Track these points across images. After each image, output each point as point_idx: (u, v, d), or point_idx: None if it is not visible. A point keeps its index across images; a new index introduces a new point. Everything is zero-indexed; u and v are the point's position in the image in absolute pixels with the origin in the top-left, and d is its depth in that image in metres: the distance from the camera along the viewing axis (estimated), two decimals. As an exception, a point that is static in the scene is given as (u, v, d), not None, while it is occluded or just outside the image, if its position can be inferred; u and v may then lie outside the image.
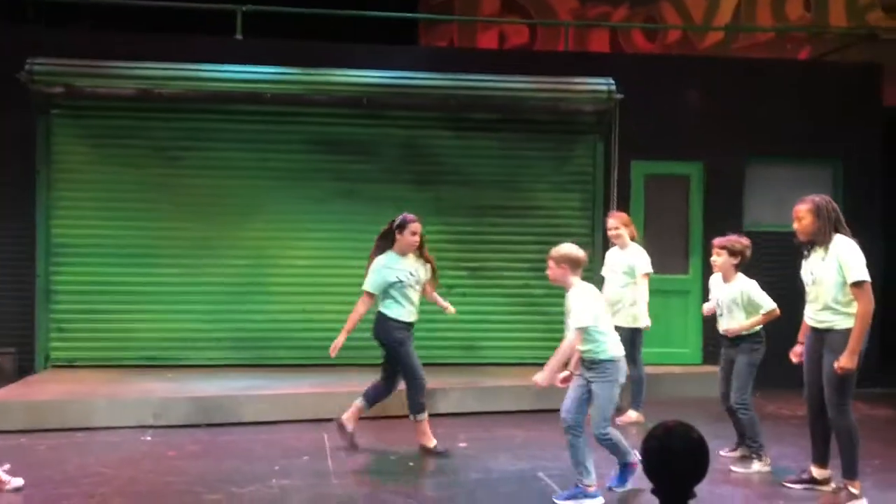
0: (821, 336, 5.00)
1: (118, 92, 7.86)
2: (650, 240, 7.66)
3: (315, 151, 8.37)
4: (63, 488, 5.08)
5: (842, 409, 4.90)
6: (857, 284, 4.82)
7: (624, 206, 8.28)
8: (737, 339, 5.72)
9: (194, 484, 5.21)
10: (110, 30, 8.57)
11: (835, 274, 4.89)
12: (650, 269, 7.01)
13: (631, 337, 7.02)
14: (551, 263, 5.13)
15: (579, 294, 4.98)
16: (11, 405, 6.40)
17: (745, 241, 5.78)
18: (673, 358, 8.45)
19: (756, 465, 5.62)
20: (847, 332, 4.84)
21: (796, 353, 5.30)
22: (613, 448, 5.02)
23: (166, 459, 5.81)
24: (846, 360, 4.78)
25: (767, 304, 5.63)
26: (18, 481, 5.06)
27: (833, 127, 8.97)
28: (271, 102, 8.09)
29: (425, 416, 5.97)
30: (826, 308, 4.95)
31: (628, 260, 7.06)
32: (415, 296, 6.00)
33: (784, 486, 5.24)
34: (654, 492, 1.74)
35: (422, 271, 6.05)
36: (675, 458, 1.70)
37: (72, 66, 7.76)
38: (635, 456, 4.89)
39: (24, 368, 7.86)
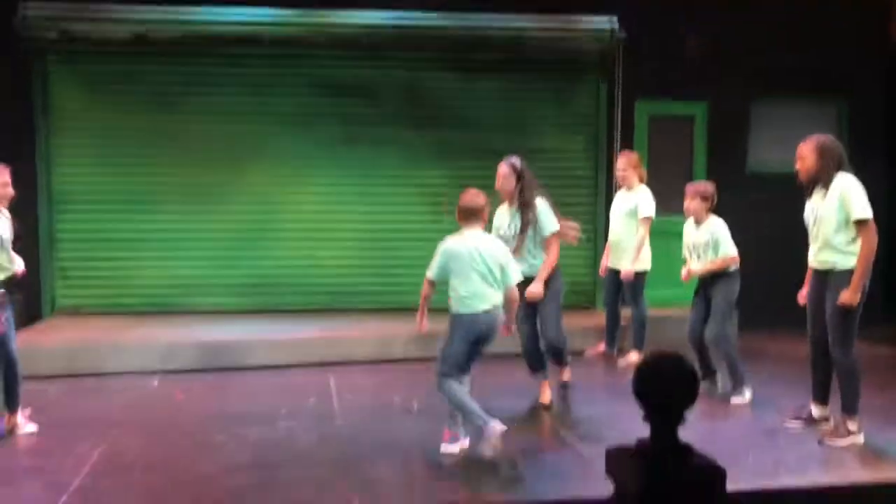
0: (823, 277, 5.01)
1: (113, 36, 7.74)
2: (653, 181, 7.58)
3: (316, 95, 8.28)
4: (75, 431, 5.19)
5: (845, 349, 4.93)
6: (861, 222, 4.81)
7: (627, 148, 8.21)
8: (712, 278, 5.99)
9: (202, 426, 5.31)
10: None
11: (836, 212, 4.87)
12: (651, 213, 6.96)
13: (633, 279, 7.05)
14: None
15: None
16: (21, 351, 6.44)
17: (712, 186, 6.17)
18: (676, 298, 8.46)
19: (748, 393, 5.94)
20: (849, 272, 4.85)
21: (803, 296, 5.30)
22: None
23: (174, 402, 5.91)
24: (849, 296, 4.80)
25: (727, 249, 5.94)
26: (32, 427, 5.17)
27: (839, 64, 8.82)
28: (270, 45, 7.97)
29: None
30: (827, 247, 4.94)
31: (633, 202, 7.03)
32: None
33: (784, 423, 5.32)
34: (645, 418, 1.84)
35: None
36: (666, 385, 1.82)
37: (65, 9, 7.63)
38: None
39: (31, 315, 7.91)
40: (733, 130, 8.82)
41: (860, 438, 4.97)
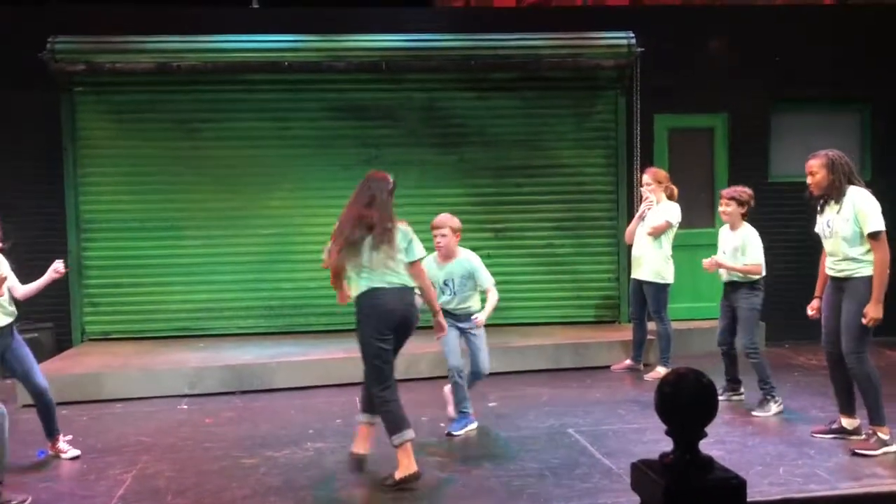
0: (840, 285, 5.03)
1: (137, 66, 7.91)
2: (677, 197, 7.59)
3: (336, 118, 8.38)
4: (106, 457, 5.26)
5: (860, 357, 4.94)
6: (874, 235, 4.87)
7: (648, 161, 8.22)
8: (735, 286, 5.99)
9: (232, 449, 5.35)
10: (127, 4, 8.58)
11: (851, 225, 4.92)
12: (672, 222, 6.93)
13: (656, 293, 7.03)
14: (449, 232, 5.63)
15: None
16: (52, 378, 6.53)
17: (749, 191, 6.10)
18: (700, 312, 8.43)
19: (773, 407, 5.86)
20: (866, 279, 4.88)
21: (813, 308, 5.34)
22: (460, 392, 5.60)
23: (203, 426, 5.96)
24: (873, 310, 4.83)
25: (753, 257, 5.90)
26: (75, 452, 5.27)
27: (860, 72, 8.78)
28: (290, 71, 8.10)
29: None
30: (845, 259, 4.98)
31: (658, 217, 7.02)
32: None
33: (813, 436, 5.27)
34: (668, 433, 1.91)
35: None
36: (685, 403, 1.88)
37: (91, 42, 7.83)
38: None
39: (61, 343, 8.05)
40: (754, 140, 8.79)
41: (894, 447, 4.91)
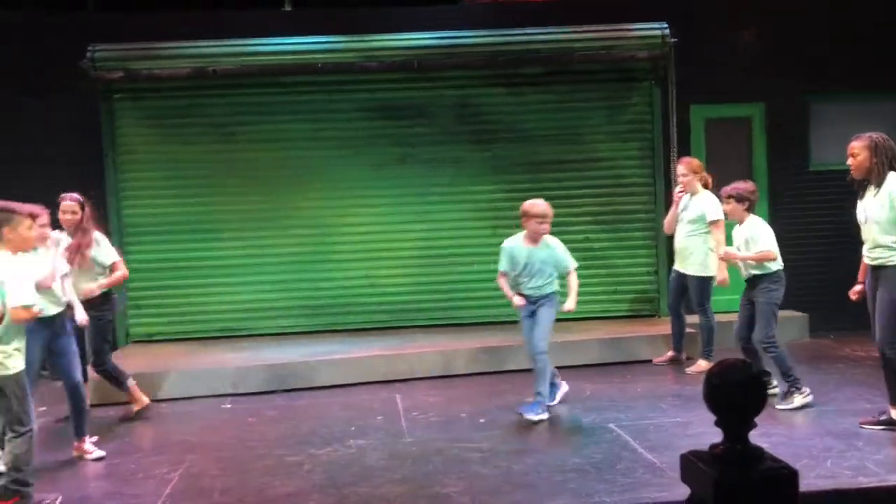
0: (876, 273, 4.98)
1: (174, 72, 8.02)
2: (713, 184, 7.49)
3: (370, 118, 8.42)
4: (152, 456, 5.35)
5: (892, 346, 4.88)
6: None
7: (684, 152, 8.11)
8: (755, 280, 5.86)
9: (275, 447, 5.41)
10: (162, 11, 8.71)
11: (886, 211, 4.84)
12: (720, 217, 6.78)
13: (699, 285, 6.96)
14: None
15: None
16: (100, 380, 6.71)
17: (751, 185, 6.08)
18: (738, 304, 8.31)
19: (798, 399, 5.71)
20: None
21: (854, 292, 5.32)
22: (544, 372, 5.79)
23: (247, 426, 6.04)
24: None
25: (763, 244, 5.82)
26: (100, 453, 5.35)
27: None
28: (323, 72, 8.15)
29: None
30: (878, 246, 4.92)
31: (697, 207, 6.95)
32: None
33: (861, 427, 5.18)
34: (717, 423, 1.90)
35: None
36: (735, 393, 1.87)
37: (129, 49, 7.95)
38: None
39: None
40: (793, 129, 8.65)
41: None
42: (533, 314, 5.90)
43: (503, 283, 5.97)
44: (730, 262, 6.20)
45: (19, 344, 4.36)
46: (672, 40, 8.11)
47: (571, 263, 6.03)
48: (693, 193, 7.02)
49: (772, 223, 8.57)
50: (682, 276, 7.08)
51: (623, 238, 8.57)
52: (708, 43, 8.41)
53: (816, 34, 8.57)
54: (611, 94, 8.53)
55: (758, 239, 5.86)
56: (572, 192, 8.49)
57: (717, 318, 7.13)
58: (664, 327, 7.66)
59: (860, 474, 4.43)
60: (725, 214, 6.33)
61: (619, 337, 7.64)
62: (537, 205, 5.91)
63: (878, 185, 4.91)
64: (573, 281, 5.98)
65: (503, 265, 5.94)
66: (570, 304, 5.88)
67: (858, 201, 5.10)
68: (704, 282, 6.93)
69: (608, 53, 8.19)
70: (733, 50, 8.51)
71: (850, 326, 7.45)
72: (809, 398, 5.74)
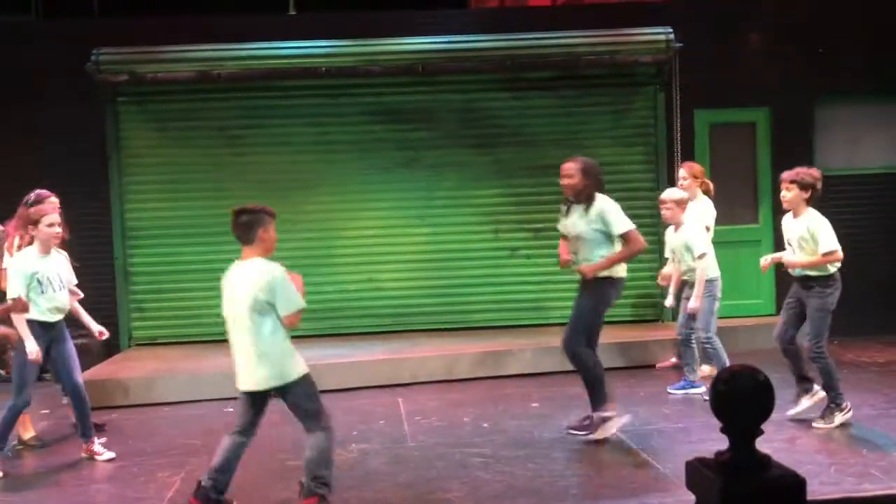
0: (581, 283, 5.41)
1: (178, 75, 8.03)
2: (717, 190, 7.50)
3: (374, 122, 8.43)
4: (155, 459, 5.35)
5: (572, 345, 5.33)
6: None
7: (688, 157, 8.12)
8: (807, 281, 5.34)
9: (277, 451, 5.40)
10: (167, 15, 8.74)
11: (596, 228, 5.24)
12: (709, 224, 6.74)
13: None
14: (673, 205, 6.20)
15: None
16: (101, 383, 6.71)
17: (816, 173, 5.38)
18: (745, 310, 8.31)
19: (838, 417, 5.32)
20: None
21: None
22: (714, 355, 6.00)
23: (249, 429, 6.01)
24: None
25: (826, 244, 5.18)
26: (110, 454, 5.36)
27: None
28: (327, 76, 8.15)
29: None
30: (586, 260, 5.31)
31: (696, 212, 6.93)
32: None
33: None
34: (723, 430, 1.88)
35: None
36: (742, 400, 1.84)
37: (134, 53, 7.96)
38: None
39: (110, 348, 8.19)
40: (797, 134, 8.63)
41: None
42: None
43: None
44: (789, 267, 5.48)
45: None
46: (677, 45, 8.11)
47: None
48: (692, 198, 7.01)
49: (776, 229, 8.62)
50: (683, 281, 7.06)
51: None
52: (712, 48, 8.40)
53: (821, 39, 8.55)
54: (615, 98, 8.53)
55: (819, 237, 5.19)
56: (576, 196, 8.47)
57: (723, 322, 7.10)
58: (667, 332, 7.64)
59: (865, 481, 4.41)
60: (782, 201, 5.46)
61: (622, 341, 7.62)
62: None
63: (588, 204, 5.24)
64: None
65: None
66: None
67: (563, 218, 5.45)
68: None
69: (612, 58, 8.18)
70: (738, 55, 8.50)
71: (852, 332, 7.42)
72: (849, 415, 5.33)
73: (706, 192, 6.99)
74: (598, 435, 5.25)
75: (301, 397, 4.19)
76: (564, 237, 5.53)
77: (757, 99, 8.56)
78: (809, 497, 1.80)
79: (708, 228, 6.73)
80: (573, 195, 5.33)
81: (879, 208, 8.45)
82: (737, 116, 8.69)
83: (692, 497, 1.89)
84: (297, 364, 4.20)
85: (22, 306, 4.96)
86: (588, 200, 5.27)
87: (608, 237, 5.25)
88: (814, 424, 5.29)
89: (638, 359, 7.48)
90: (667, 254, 6.59)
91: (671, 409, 6.04)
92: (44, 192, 5.66)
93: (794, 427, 5.45)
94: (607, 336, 7.80)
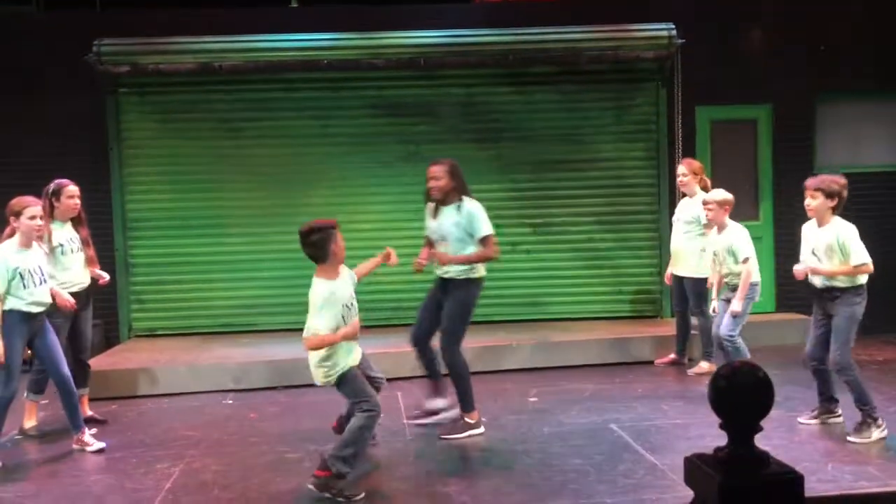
0: (445, 285, 5.49)
1: (180, 67, 8.01)
2: (718, 186, 7.49)
3: (375, 115, 8.42)
4: (155, 451, 5.36)
5: (451, 347, 5.45)
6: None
7: (690, 154, 8.12)
8: (834, 292, 5.09)
9: (276, 443, 5.42)
10: (169, 6, 8.72)
11: (462, 231, 5.35)
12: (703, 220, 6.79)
13: (694, 287, 6.95)
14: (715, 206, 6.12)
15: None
16: (103, 374, 6.72)
17: (842, 180, 5.13)
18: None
19: (875, 432, 5.05)
20: None
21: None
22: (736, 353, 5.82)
23: (248, 421, 6.04)
24: None
25: (859, 256, 4.98)
26: (101, 444, 5.36)
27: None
28: (329, 69, 8.14)
29: None
30: None
31: (693, 209, 6.95)
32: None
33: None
34: (722, 426, 1.89)
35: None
36: (741, 396, 1.86)
37: (136, 44, 7.95)
38: None
39: (110, 339, 8.22)
40: (799, 131, 8.63)
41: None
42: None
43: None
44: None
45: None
46: (679, 41, 8.10)
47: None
48: (690, 195, 7.03)
49: (776, 226, 8.65)
50: (678, 279, 7.10)
51: (627, 238, 8.56)
52: (714, 44, 8.40)
53: (823, 37, 8.54)
54: (617, 94, 8.52)
55: (850, 248, 4.99)
56: (576, 191, 8.49)
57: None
58: (667, 328, 7.66)
59: (862, 478, 4.42)
60: (806, 210, 5.19)
61: (622, 337, 7.63)
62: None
63: (456, 206, 5.34)
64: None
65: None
66: (736, 305, 5.87)
67: (430, 220, 5.53)
68: (699, 283, 6.91)
69: (614, 54, 8.17)
70: (740, 51, 8.49)
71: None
72: (885, 432, 5.06)
73: (705, 189, 7.01)
74: (458, 436, 5.38)
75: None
76: (430, 243, 5.67)
77: (758, 96, 8.56)
78: (807, 494, 1.80)
79: (706, 226, 6.73)
80: (441, 197, 5.46)
81: (880, 206, 8.46)
82: (738, 113, 8.68)
83: (690, 493, 1.89)
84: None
85: None
86: (458, 201, 5.42)
87: (471, 240, 5.39)
88: (849, 439, 5.07)
89: (636, 355, 7.49)
90: (708, 255, 6.44)
91: (669, 405, 6.05)
92: (63, 180, 5.71)
93: (792, 424, 5.46)
94: (607, 332, 7.86)
